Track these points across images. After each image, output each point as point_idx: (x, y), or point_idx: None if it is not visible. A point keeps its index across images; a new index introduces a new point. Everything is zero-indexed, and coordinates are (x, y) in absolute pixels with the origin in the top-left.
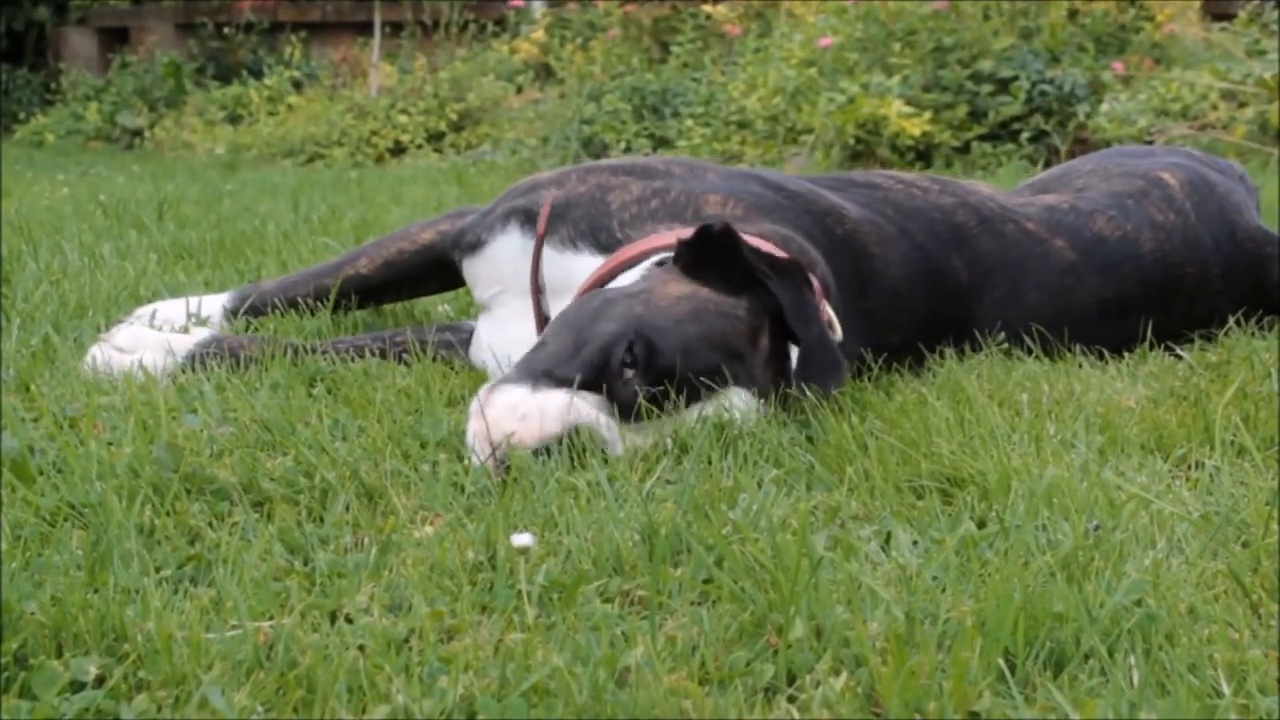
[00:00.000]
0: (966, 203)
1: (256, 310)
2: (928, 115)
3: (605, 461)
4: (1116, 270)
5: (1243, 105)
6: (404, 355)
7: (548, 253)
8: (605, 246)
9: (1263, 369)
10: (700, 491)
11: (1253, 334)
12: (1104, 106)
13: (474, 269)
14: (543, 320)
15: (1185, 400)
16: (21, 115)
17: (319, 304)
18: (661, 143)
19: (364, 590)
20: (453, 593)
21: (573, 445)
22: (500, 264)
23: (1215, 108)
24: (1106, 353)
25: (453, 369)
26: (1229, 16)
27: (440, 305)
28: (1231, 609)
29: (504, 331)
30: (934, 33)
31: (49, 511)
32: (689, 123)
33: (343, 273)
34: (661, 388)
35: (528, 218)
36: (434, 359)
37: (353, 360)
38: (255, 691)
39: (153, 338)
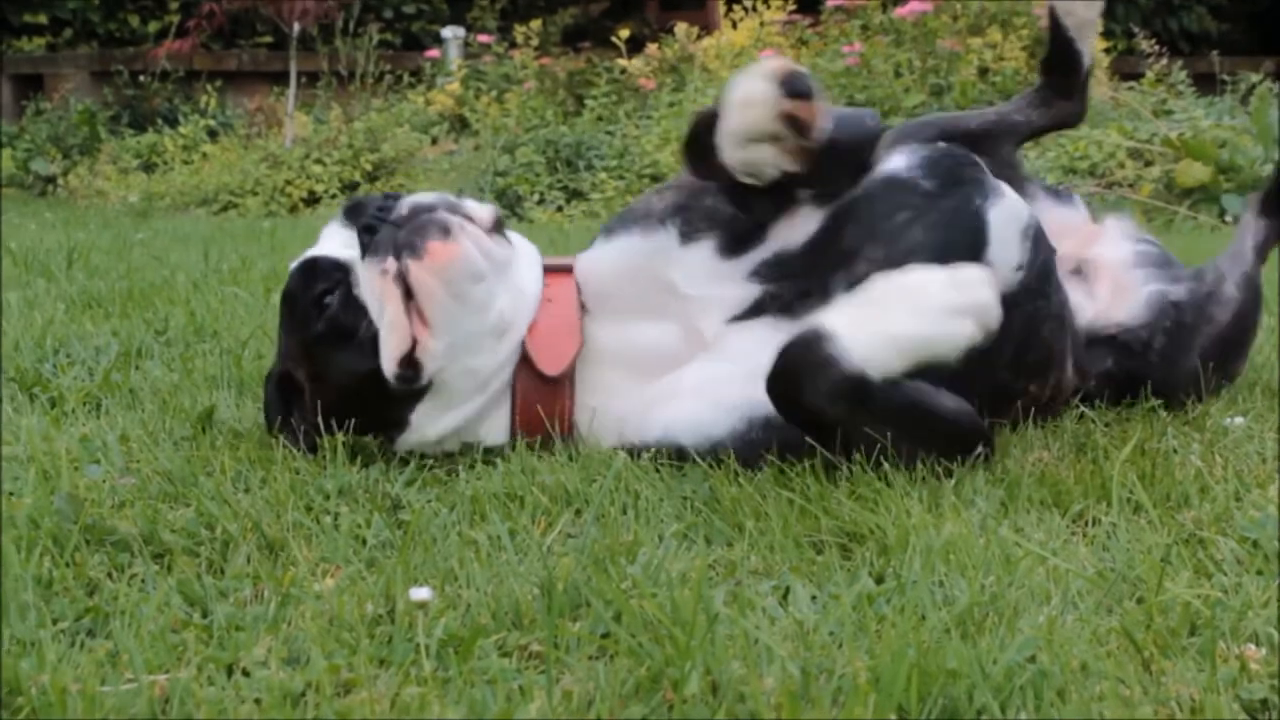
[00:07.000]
0: None
1: None
2: None
3: (508, 514)
4: None
5: (1149, 164)
6: None
7: None
8: None
9: (1161, 426)
10: (600, 545)
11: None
12: None
13: None
14: None
15: (1085, 456)
16: None
17: None
18: (575, 195)
19: (262, 643)
20: (351, 646)
21: None
22: None
23: (1122, 166)
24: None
25: None
26: (1137, 76)
27: None
28: (1123, 666)
29: None
30: (846, 89)
31: None
32: (603, 175)
33: None
34: None
35: None
36: None
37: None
38: None
39: None
